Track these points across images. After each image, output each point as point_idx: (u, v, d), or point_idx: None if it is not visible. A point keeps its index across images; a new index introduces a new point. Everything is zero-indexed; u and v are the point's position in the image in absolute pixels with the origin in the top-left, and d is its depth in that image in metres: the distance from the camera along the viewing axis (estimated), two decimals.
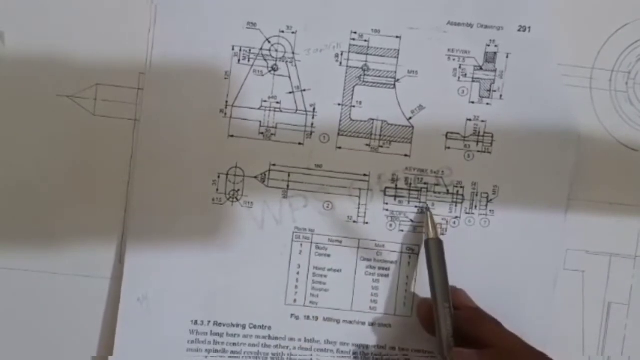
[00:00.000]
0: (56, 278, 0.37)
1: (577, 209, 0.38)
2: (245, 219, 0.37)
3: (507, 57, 0.37)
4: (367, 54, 0.37)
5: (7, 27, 0.37)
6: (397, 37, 0.37)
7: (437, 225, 0.37)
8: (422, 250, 0.37)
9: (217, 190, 0.37)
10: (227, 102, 0.37)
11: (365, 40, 0.37)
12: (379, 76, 0.37)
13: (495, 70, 0.37)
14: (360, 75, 0.37)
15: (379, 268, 0.38)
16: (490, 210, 0.38)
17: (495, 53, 0.37)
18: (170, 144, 0.37)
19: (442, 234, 0.38)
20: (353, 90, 0.37)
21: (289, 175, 0.37)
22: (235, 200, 0.37)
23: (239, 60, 0.37)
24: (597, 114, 0.38)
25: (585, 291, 0.39)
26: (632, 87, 0.38)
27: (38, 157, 0.37)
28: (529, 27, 0.37)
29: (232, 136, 0.37)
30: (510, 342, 0.34)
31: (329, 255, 0.38)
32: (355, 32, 0.37)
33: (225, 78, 0.37)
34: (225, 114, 0.37)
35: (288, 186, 0.37)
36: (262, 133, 0.37)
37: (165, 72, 0.37)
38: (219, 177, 0.37)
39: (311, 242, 0.38)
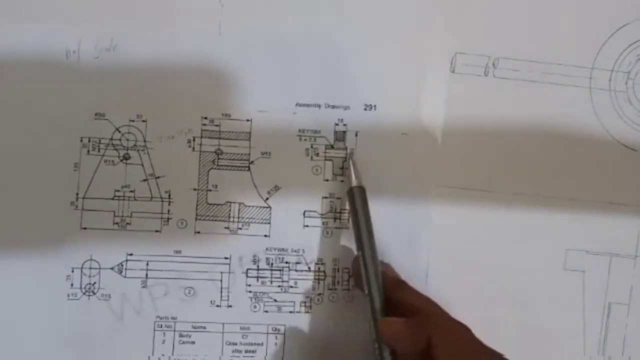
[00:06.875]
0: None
1: (577, 209, 0.38)
2: (103, 313, 0.36)
3: (356, 135, 0.38)
4: (219, 138, 0.37)
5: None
6: (247, 120, 0.37)
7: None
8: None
9: (72, 285, 0.36)
10: (77, 194, 0.36)
11: (217, 125, 0.37)
12: (233, 159, 0.37)
13: (346, 148, 0.38)
14: (214, 160, 0.37)
15: (245, 351, 0.37)
16: (352, 285, 0.38)
17: (344, 132, 0.38)
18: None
19: (308, 312, 0.38)
20: (208, 174, 0.37)
21: (147, 264, 0.37)
22: (91, 294, 0.36)
23: (88, 151, 0.36)
24: (597, 114, 0.38)
25: (586, 291, 0.39)
26: (631, 87, 0.38)
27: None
28: (375, 106, 0.38)
29: (84, 228, 0.36)
30: (436, 308, 0.33)
31: (193, 342, 0.37)
32: (205, 117, 0.37)
33: (75, 170, 0.36)
34: (77, 206, 0.36)
35: (147, 275, 0.37)
36: (117, 223, 0.37)
37: (10, 164, 0.36)
38: (72, 271, 0.36)
39: (174, 331, 0.37)
